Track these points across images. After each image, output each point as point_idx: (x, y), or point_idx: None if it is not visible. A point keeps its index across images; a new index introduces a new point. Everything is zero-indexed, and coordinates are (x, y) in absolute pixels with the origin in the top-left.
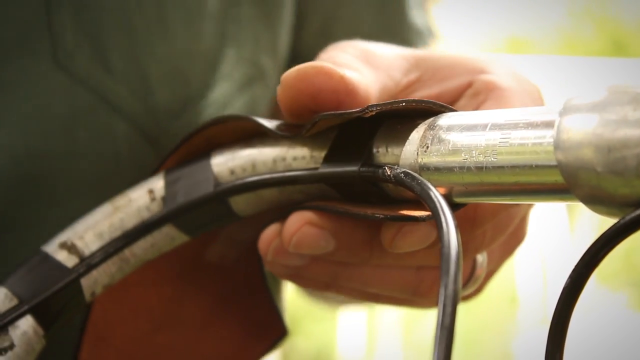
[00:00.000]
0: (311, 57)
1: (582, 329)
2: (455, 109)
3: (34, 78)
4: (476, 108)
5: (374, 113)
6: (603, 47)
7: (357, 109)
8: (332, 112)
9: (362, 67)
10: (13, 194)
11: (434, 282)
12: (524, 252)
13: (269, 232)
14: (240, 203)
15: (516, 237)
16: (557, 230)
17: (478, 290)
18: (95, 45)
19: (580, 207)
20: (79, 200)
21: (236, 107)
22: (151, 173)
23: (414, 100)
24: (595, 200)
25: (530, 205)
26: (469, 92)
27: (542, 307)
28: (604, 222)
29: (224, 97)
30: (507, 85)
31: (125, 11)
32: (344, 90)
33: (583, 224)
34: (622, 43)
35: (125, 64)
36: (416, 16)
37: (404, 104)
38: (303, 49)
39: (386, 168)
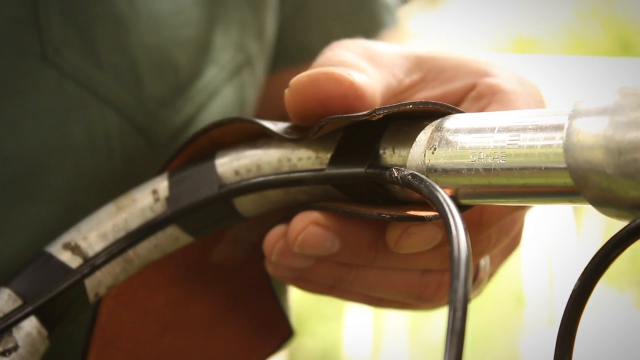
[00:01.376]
0: (285, 37)
1: (588, 328)
2: (462, 110)
3: (22, 75)
4: (480, 111)
5: (381, 116)
6: (610, 47)
7: (365, 112)
8: (340, 116)
9: (367, 66)
10: (4, 194)
11: (439, 286)
12: (530, 252)
13: (274, 233)
14: (245, 204)
15: (515, 240)
16: (563, 231)
17: (477, 293)
18: (83, 39)
19: (587, 208)
20: (73, 197)
21: (226, 94)
22: (155, 173)
23: (421, 102)
24: (605, 202)
25: (527, 209)
26: (472, 95)
27: (548, 307)
28: (610, 224)
29: (213, 83)
30: (511, 88)
31: (113, 3)
32: (354, 96)
33: (589, 224)
34: (629, 43)
35: (114, 55)
36: None
37: (411, 106)
38: (278, 30)
39: (393, 170)
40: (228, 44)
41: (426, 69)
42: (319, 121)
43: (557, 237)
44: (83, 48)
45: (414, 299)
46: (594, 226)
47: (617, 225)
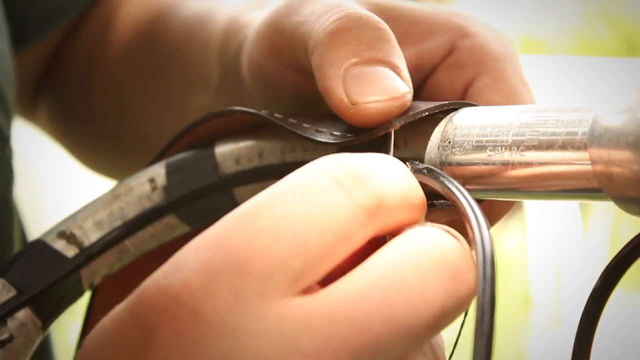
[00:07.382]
0: None
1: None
2: (476, 104)
3: None
4: (467, 84)
5: (398, 127)
6: (617, 47)
7: (382, 126)
8: (365, 133)
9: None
10: None
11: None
12: (537, 252)
13: None
14: (245, 194)
15: None
16: (570, 232)
17: None
18: None
19: (594, 208)
20: None
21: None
22: (150, 162)
23: (435, 106)
24: (629, 200)
25: None
26: (451, 61)
27: (555, 308)
28: (618, 224)
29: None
30: (494, 52)
31: None
32: None
33: (597, 224)
34: (636, 43)
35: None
36: None
37: (426, 113)
38: None
39: (407, 163)
40: None
41: (394, 21)
42: (346, 138)
43: (564, 238)
44: None
45: None
46: (601, 227)
47: (624, 225)
